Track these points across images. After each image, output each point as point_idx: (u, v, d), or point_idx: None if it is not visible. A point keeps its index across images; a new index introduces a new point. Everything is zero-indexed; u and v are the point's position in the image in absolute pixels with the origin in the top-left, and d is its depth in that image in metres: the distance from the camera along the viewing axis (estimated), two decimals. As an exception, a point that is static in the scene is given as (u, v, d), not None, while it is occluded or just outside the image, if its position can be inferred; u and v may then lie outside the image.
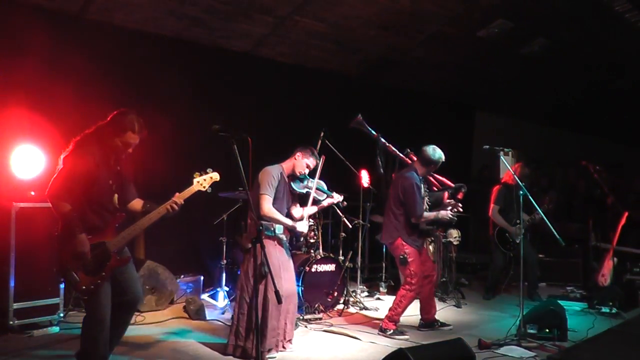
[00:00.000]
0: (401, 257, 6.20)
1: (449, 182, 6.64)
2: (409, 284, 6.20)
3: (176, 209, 4.29)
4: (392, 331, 6.19)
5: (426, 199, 6.34)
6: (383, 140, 6.78)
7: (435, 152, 6.23)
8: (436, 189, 6.66)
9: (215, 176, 4.46)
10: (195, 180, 4.38)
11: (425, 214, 6.17)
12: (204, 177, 4.40)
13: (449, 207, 6.26)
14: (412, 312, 6.59)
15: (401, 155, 6.80)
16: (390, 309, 6.30)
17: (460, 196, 6.34)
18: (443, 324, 6.59)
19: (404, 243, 6.18)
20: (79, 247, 3.95)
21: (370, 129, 6.77)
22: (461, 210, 6.29)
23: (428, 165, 6.28)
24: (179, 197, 4.32)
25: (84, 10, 7.01)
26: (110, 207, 4.25)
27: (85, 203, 4.08)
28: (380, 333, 6.23)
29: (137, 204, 4.47)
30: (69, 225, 3.98)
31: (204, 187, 4.39)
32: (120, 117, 4.22)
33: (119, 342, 4.60)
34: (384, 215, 6.53)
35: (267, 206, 5.25)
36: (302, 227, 5.52)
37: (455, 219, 6.32)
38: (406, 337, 6.13)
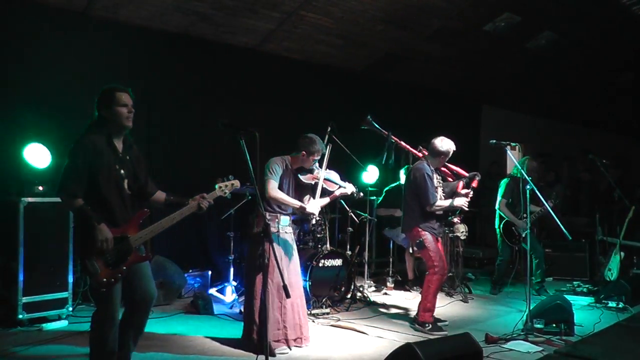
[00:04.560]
0: (418, 242, 6.26)
1: (462, 172, 6.63)
2: (432, 267, 6.21)
3: (203, 210, 4.28)
4: (430, 326, 6.16)
5: (440, 189, 6.35)
6: (394, 138, 6.78)
7: (443, 143, 6.25)
8: (451, 180, 6.66)
9: (237, 183, 4.46)
10: (217, 186, 4.37)
11: (439, 202, 6.18)
12: (226, 183, 4.39)
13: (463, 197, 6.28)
14: (411, 307, 6.55)
15: (413, 150, 6.81)
16: (421, 300, 6.29)
17: (474, 184, 6.32)
18: (437, 319, 6.52)
19: (420, 230, 6.22)
20: (100, 236, 3.85)
21: (380, 128, 6.77)
22: (470, 197, 6.27)
23: (437, 156, 6.30)
24: (207, 198, 4.30)
25: (90, 7, 7.01)
26: (125, 196, 4.13)
27: (96, 194, 3.98)
28: (418, 327, 6.21)
29: (159, 195, 4.40)
30: (84, 218, 3.91)
31: (225, 192, 4.40)
32: (103, 92, 4.10)
33: (136, 346, 4.42)
34: (402, 209, 6.57)
35: (272, 188, 5.28)
36: (313, 208, 5.50)
37: (466, 204, 6.29)
38: (444, 332, 6.09)
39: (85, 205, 3.89)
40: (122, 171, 4.10)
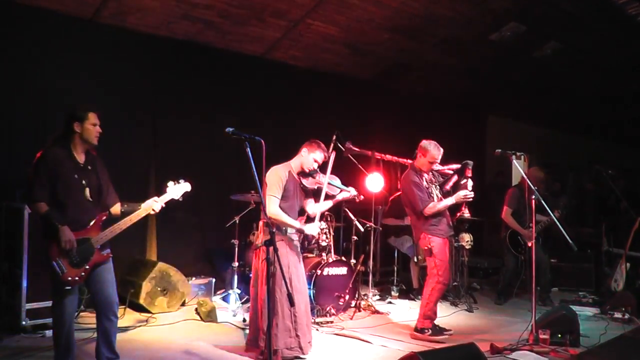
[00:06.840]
0: (426, 249, 6.24)
1: (453, 166, 6.58)
2: (436, 275, 6.18)
3: (156, 212, 4.68)
4: (430, 331, 6.15)
5: (435, 190, 6.33)
6: (378, 154, 6.82)
7: (425, 144, 6.24)
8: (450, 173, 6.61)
9: (187, 187, 4.83)
10: (168, 189, 4.77)
11: (432, 204, 6.14)
12: (177, 186, 4.78)
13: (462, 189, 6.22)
14: (415, 316, 6.52)
15: (400, 160, 6.83)
16: (421, 306, 6.29)
17: (468, 173, 6.24)
18: (442, 329, 6.51)
19: (428, 236, 6.21)
20: (63, 237, 4.22)
21: (361, 150, 6.81)
22: (470, 191, 6.18)
23: (422, 157, 6.26)
24: (159, 201, 4.69)
25: (98, 15, 7.04)
26: (85, 202, 4.45)
27: (55, 199, 4.31)
28: (416, 334, 6.20)
29: (117, 208, 4.73)
30: (49, 222, 4.26)
31: (177, 195, 4.78)
32: (79, 109, 4.46)
33: (114, 355, 4.58)
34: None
35: (274, 208, 5.20)
36: (311, 229, 5.45)
37: (472, 193, 6.21)
38: (446, 336, 6.11)
39: (49, 211, 4.26)
40: (82, 181, 4.45)
